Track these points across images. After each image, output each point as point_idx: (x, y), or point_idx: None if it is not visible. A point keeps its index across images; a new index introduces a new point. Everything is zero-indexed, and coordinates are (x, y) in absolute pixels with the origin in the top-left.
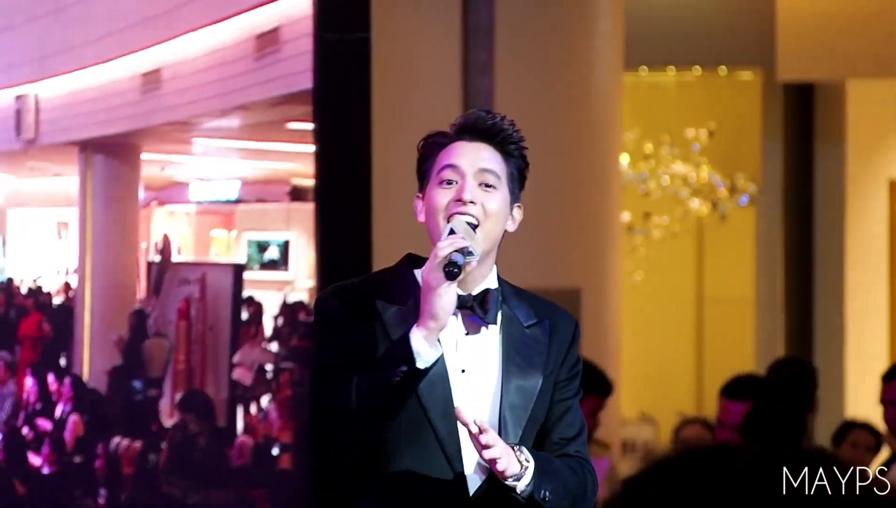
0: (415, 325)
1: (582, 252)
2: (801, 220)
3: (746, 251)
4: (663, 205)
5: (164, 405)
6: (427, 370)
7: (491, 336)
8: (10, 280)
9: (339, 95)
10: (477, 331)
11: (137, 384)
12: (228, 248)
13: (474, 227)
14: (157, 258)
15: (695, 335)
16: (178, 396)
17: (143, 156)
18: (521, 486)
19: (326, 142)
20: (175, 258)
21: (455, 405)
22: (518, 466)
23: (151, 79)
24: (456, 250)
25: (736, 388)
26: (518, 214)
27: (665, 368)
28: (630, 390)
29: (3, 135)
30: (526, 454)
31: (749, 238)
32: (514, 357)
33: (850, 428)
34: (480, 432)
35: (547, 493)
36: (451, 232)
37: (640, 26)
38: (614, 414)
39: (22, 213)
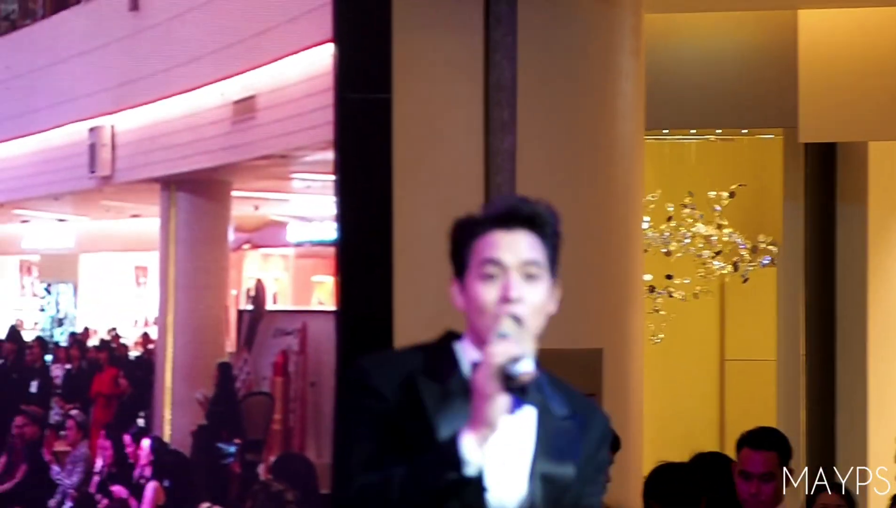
0: (465, 429)
1: (604, 313)
2: (823, 281)
3: (768, 312)
4: (685, 266)
5: (261, 471)
6: (479, 476)
7: (525, 424)
8: (83, 331)
9: (360, 154)
10: (508, 418)
11: (226, 446)
12: (332, 295)
13: (523, 326)
14: (250, 307)
15: (717, 396)
16: (273, 460)
17: (234, 193)
18: None
19: (348, 201)
20: (270, 307)
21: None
22: None
23: (244, 107)
24: (512, 358)
25: (760, 438)
26: (557, 292)
27: (687, 428)
28: (652, 450)
29: (76, 172)
30: None
31: (771, 299)
32: (547, 448)
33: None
34: None
35: None
36: (501, 336)
37: (662, 88)
38: (636, 474)
39: (96, 258)
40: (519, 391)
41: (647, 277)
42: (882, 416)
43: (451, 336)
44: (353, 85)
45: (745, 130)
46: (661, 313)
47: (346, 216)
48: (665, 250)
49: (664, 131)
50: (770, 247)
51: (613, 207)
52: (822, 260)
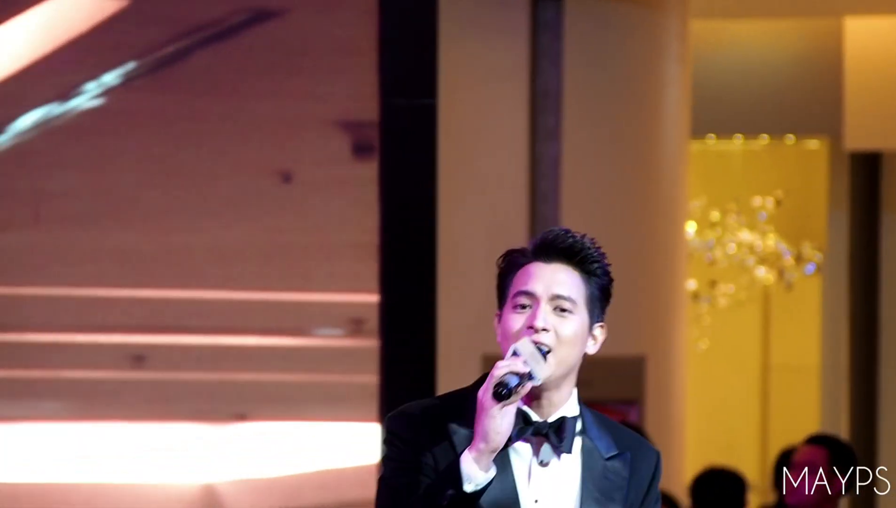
0: (469, 447)
1: (647, 320)
2: (867, 288)
3: (812, 320)
4: (729, 273)
5: None
6: (478, 493)
7: (569, 467)
8: None
9: (405, 161)
10: (551, 460)
11: None
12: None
13: (545, 352)
14: None
15: (760, 404)
16: None
17: None
18: None
19: (392, 209)
20: None
21: None
22: None
23: None
24: (513, 373)
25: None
26: (601, 334)
27: (730, 436)
28: (694, 458)
29: None
30: None
31: (815, 307)
32: (593, 491)
33: None
34: None
35: None
36: (514, 354)
37: (708, 94)
38: (679, 482)
39: None
40: (504, 397)
41: (691, 284)
42: None
43: (485, 378)
44: (398, 91)
45: (791, 138)
46: (705, 320)
47: (391, 223)
48: (709, 257)
49: (710, 137)
50: (815, 254)
51: (658, 213)
52: (867, 268)
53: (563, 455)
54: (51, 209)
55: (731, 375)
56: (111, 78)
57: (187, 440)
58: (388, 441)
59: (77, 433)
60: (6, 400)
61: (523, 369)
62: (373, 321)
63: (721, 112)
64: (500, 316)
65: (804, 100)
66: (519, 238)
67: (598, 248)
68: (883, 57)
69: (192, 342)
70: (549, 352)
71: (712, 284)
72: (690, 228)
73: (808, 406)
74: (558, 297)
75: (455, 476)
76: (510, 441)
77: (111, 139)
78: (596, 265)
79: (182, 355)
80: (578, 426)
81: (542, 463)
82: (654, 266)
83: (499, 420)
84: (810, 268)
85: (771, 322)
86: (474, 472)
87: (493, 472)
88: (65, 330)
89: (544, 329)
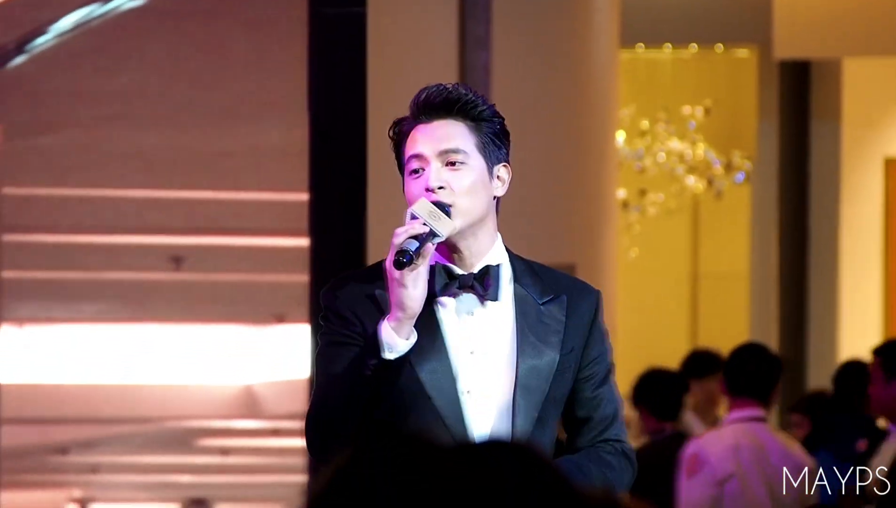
0: (386, 317)
1: (577, 228)
2: (797, 197)
3: (741, 228)
4: (659, 182)
5: None
6: (400, 360)
7: (502, 315)
8: None
9: (334, 69)
10: (478, 310)
11: None
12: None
13: (447, 209)
14: None
15: (689, 311)
16: None
17: None
18: None
19: (320, 118)
20: None
21: (463, 388)
22: None
23: None
24: (412, 237)
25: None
26: (506, 173)
27: (659, 343)
28: (624, 366)
29: None
30: None
31: (744, 215)
32: (528, 336)
33: None
34: None
35: None
36: (413, 217)
37: (637, 3)
38: None
39: None
40: (406, 264)
41: (621, 192)
42: (852, 330)
43: None
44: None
45: (720, 46)
46: (635, 229)
47: (319, 134)
48: (638, 166)
49: (639, 46)
50: (744, 163)
51: (588, 122)
52: (796, 177)
53: (495, 304)
54: (91, 110)
55: (661, 283)
56: None
57: (226, 342)
58: (322, 317)
59: (116, 334)
60: (45, 302)
61: (422, 229)
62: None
63: (650, 21)
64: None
65: (733, 8)
66: None
67: (476, 93)
68: None
69: (230, 243)
70: (451, 206)
71: (642, 192)
72: (620, 137)
73: (737, 314)
74: (446, 152)
75: (376, 345)
76: (434, 298)
77: (153, 39)
78: (478, 110)
79: (220, 255)
80: (508, 273)
81: (471, 314)
82: (583, 175)
83: (410, 288)
84: (740, 177)
85: (700, 231)
86: (393, 340)
87: (413, 338)
88: (104, 232)
89: (440, 187)
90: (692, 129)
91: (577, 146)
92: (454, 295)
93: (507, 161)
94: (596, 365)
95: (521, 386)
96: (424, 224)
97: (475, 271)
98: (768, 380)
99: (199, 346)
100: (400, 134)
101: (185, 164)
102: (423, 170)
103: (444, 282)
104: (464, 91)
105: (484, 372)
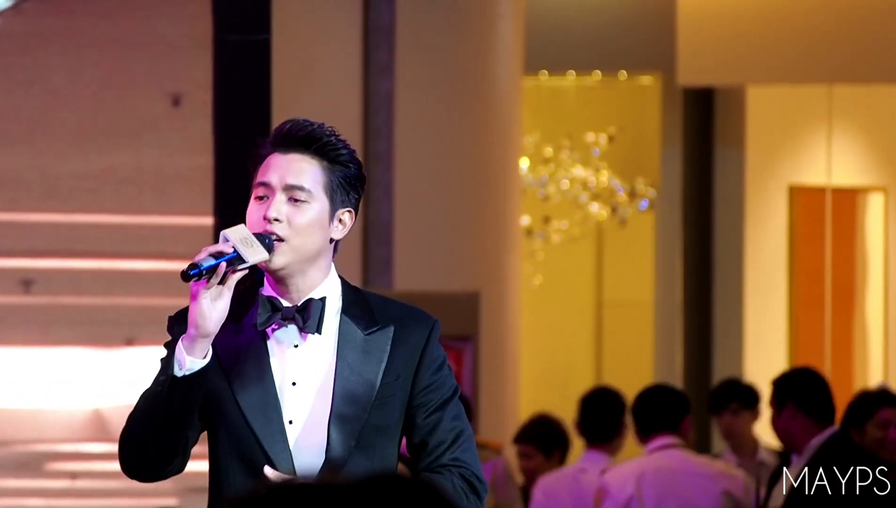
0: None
1: (481, 256)
2: (701, 225)
3: (646, 256)
4: (563, 209)
5: None
6: (193, 377)
7: (324, 347)
8: None
9: (239, 97)
10: (300, 343)
11: None
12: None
13: (270, 241)
14: None
15: (594, 339)
16: None
17: None
18: None
19: (225, 146)
20: None
21: (285, 418)
22: None
23: None
24: (212, 255)
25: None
26: (349, 218)
27: (564, 372)
28: (529, 393)
29: None
30: None
31: (648, 243)
32: (347, 367)
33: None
34: None
35: None
36: (225, 240)
37: (541, 30)
38: (513, 417)
39: None
40: (192, 277)
41: (525, 220)
42: (757, 358)
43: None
44: (232, 27)
45: (624, 74)
46: (539, 256)
47: (224, 162)
48: (542, 193)
49: (543, 73)
50: (648, 190)
51: (491, 149)
52: (700, 204)
53: (317, 337)
54: None
55: (565, 311)
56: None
57: (76, 365)
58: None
59: None
60: None
61: (227, 250)
62: None
63: (554, 48)
64: None
65: (637, 36)
66: None
67: (338, 136)
68: None
69: (80, 267)
70: (277, 240)
71: (546, 220)
72: (524, 164)
73: (642, 342)
74: (291, 187)
75: (169, 362)
76: (259, 328)
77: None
78: (335, 153)
79: (71, 279)
80: (336, 306)
81: (296, 346)
82: (487, 202)
83: (205, 306)
84: (644, 204)
85: (605, 258)
86: (183, 358)
87: (208, 358)
88: None
89: (276, 219)
90: (596, 156)
91: (480, 173)
92: (279, 326)
93: (354, 207)
94: (429, 393)
95: (335, 415)
96: (233, 247)
97: (300, 303)
98: (677, 414)
99: (48, 369)
100: (256, 157)
101: (34, 186)
102: (268, 198)
103: (268, 314)
104: (327, 132)
105: (304, 403)
